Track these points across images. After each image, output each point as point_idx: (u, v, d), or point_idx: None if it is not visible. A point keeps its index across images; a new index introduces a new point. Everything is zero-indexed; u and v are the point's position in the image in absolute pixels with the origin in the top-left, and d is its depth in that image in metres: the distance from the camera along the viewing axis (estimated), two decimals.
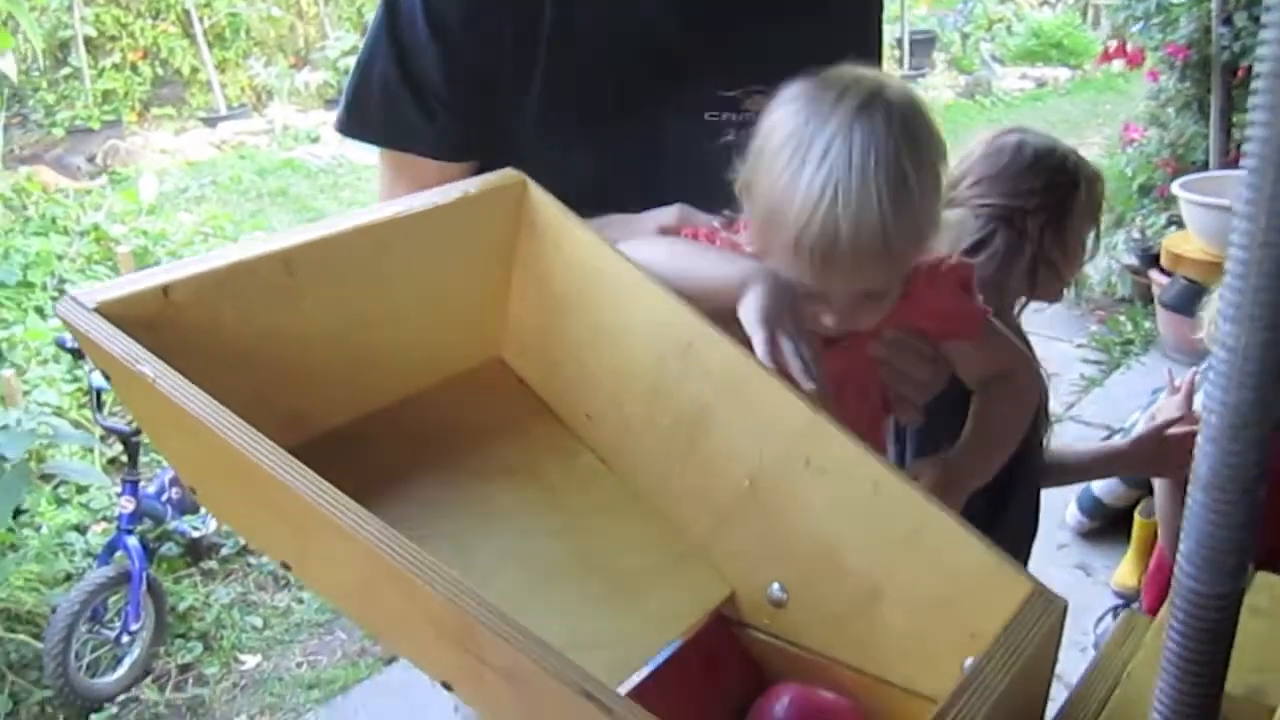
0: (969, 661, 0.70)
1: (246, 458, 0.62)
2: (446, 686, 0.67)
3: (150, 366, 0.65)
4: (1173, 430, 1.55)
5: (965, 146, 1.43)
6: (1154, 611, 2.04)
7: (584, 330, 0.90)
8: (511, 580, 0.78)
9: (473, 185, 0.88)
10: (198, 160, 6.59)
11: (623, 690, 0.76)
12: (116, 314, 0.69)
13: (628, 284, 0.86)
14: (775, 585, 0.80)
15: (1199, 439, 0.45)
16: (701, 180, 0.97)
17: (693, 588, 0.82)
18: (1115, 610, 2.55)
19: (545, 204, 0.90)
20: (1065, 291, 1.50)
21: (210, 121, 7.20)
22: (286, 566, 0.75)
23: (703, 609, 0.81)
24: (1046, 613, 0.66)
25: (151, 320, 0.70)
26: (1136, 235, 4.01)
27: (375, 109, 1.09)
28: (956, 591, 0.71)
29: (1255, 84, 0.40)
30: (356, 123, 1.12)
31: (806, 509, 0.78)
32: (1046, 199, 1.37)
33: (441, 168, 1.08)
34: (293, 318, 0.79)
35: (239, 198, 5.93)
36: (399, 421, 0.86)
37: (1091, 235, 1.46)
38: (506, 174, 0.91)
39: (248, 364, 0.76)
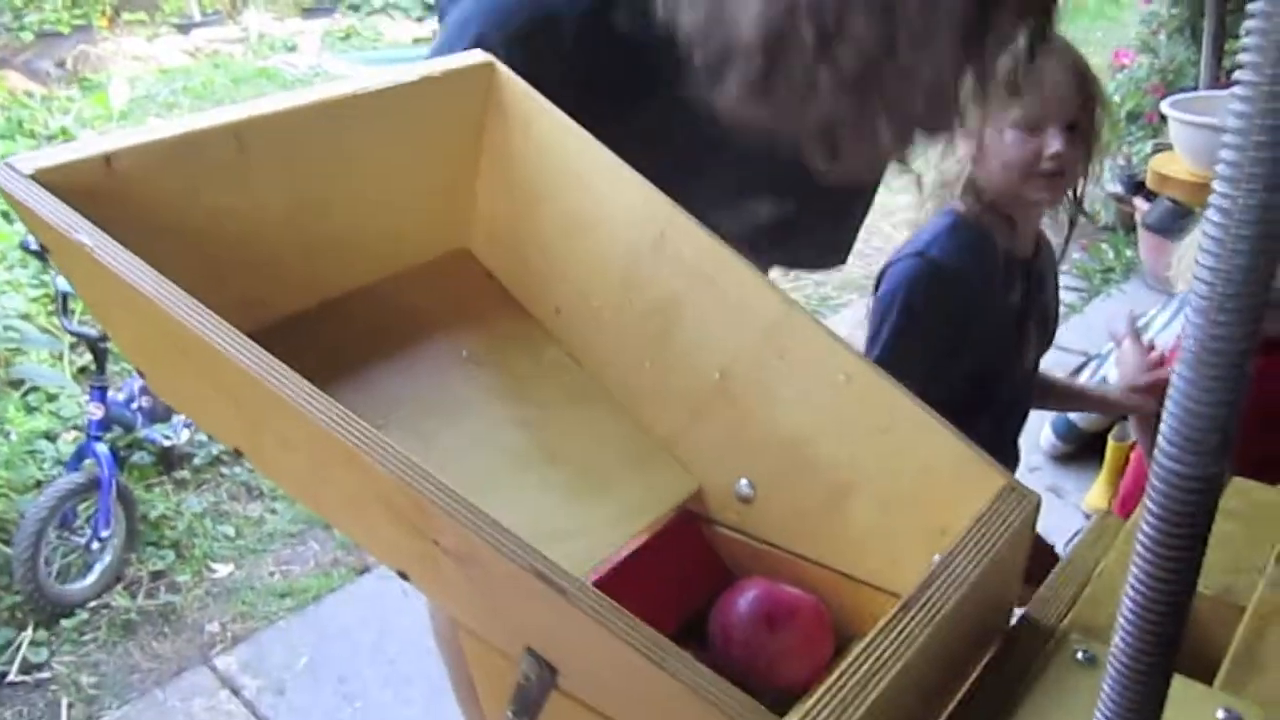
0: (937, 557, 0.68)
1: (191, 331, 0.59)
2: (403, 576, 0.65)
3: (89, 236, 0.62)
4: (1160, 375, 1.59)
5: None
6: None
7: (554, 220, 0.87)
8: (473, 468, 0.76)
9: (436, 65, 0.84)
10: (170, 67, 6.42)
11: (585, 579, 0.75)
12: (55, 182, 0.65)
13: (600, 171, 0.83)
14: (743, 481, 0.78)
15: (1186, 311, 0.43)
16: None
17: (660, 482, 0.80)
18: None
19: (514, 87, 0.86)
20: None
21: (183, 28, 7.01)
22: (239, 452, 0.72)
23: (669, 504, 0.80)
24: (1020, 507, 0.64)
25: (92, 190, 0.67)
26: (1122, 162, 3.97)
27: None
28: (928, 486, 0.69)
29: None
30: None
31: (777, 402, 0.76)
32: None
33: None
34: (244, 196, 0.75)
35: (212, 105, 5.79)
36: (357, 311, 0.83)
37: None
38: (473, 55, 0.87)
39: (195, 243, 0.73)
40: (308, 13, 7.51)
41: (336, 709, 2.11)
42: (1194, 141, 2.46)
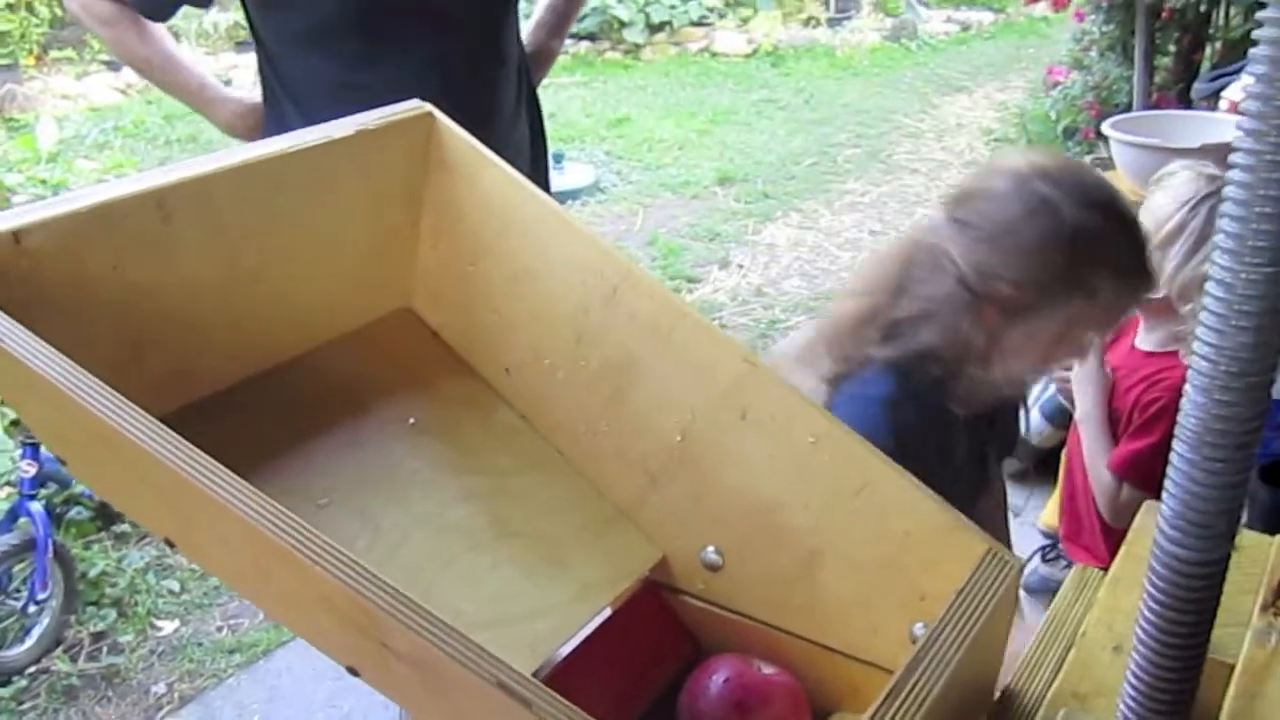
0: (919, 626, 0.65)
1: (108, 425, 0.54)
2: (353, 672, 0.61)
3: None
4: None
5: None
6: (1071, 539, 2.08)
7: (501, 276, 0.83)
8: (423, 551, 0.71)
9: (371, 118, 0.80)
10: (101, 105, 6.28)
11: (548, 665, 0.71)
12: None
13: (548, 225, 0.79)
14: (710, 548, 0.75)
15: (1186, 389, 0.40)
16: None
17: (621, 553, 0.76)
18: (1043, 550, 2.57)
19: (456, 139, 0.82)
20: None
21: (114, 65, 6.86)
22: (170, 544, 0.67)
23: (633, 575, 0.76)
24: (1002, 574, 0.61)
25: (2, 271, 0.62)
26: None
27: None
28: (904, 552, 0.66)
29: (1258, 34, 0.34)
30: None
31: (742, 466, 0.72)
32: None
33: None
34: (169, 267, 0.70)
35: (145, 145, 5.67)
36: (296, 381, 0.78)
37: None
38: (411, 106, 0.83)
39: (117, 319, 0.68)
40: (241, 46, 7.40)
41: None
42: (1136, 161, 2.48)
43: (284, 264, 0.77)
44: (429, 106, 0.84)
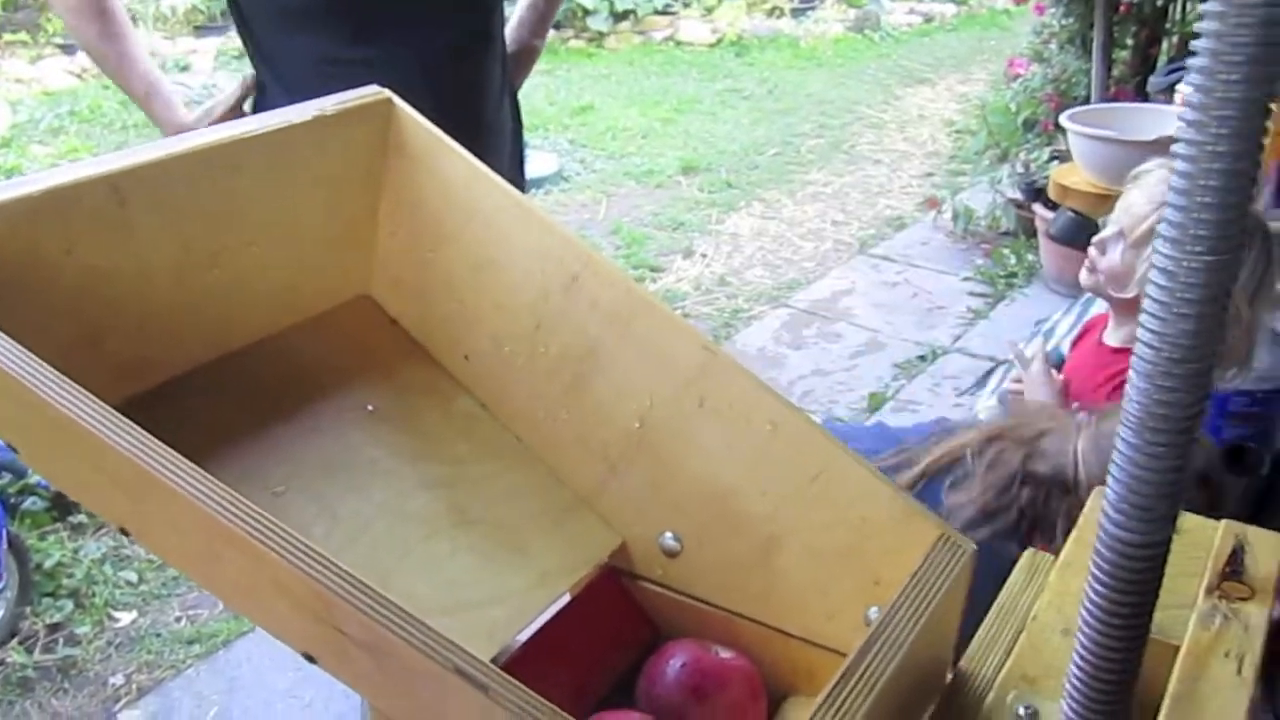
0: (873, 610, 0.66)
1: (61, 413, 0.54)
2: (309, 659, 0.60)
3: None
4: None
5: None
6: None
7: (461, 263, 0.83)
8: (382, 539, 0.71)
9: (329, 103, 0.79)
10: (56, 89, 6.18)
11: (507, 651, 0.71)
12: None
13: (508, 212, 0.79)
14: (668, 534, 0.75)
15: (1130, 375, 0.41)
16: None
17: (580, 539, 0.77)
18: None
19: (415, 125, 0.82)
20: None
21: (69, 48, 6.74)
22: (125, 533, 0.67)
23: (592, 561, 0.76)
24: (955, 558, 0.62)
25: None
26: (1021, 169, 4.05)
27: None
28: (860, 538, 0.67)
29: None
30: None
31: (701, 453, 0.73)
32: None
33: None
34: (125, 252, 0.70)
35: (101, 130, 5.58)
36: (254, 367, 0.77)
37: None
38: (371, 92, 0.83)
39: (71, 305, 0.67)
40: (200, 30, 7.30)
41: None
42: (1093, 153, 2.51)
43: (241, 250, 0.76)
44: (388, 93, 0.83)
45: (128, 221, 0.69)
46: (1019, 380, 1.91)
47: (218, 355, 0.76)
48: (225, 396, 0.76)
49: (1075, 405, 1.81)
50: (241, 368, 0.77)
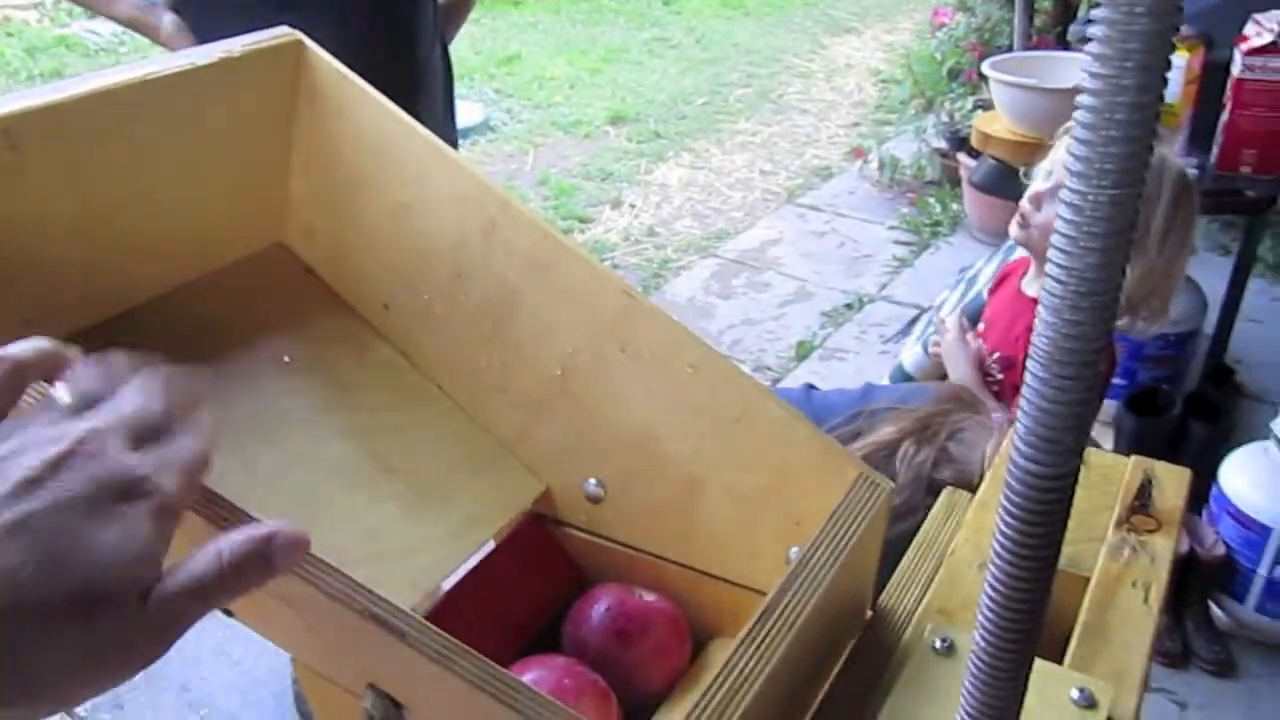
0: (794, 550, 0.67)
1: None
2: (227, 613, 0.59)
3: None
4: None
5: None
6: None
7: (376, 209, 0.81)
8: (300, 488, 0.70)
9: (236, 45, 0.76)
10: None
11: (431, 598, 0.70)
12: None
13: (423, 156, 0.77)
14: (591, 480, 0.75)
15: (1038, 309, 0.41)
16: None
17: (504, 486, 0.76)
18: None
19: (325, 67, 0.79)
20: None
21: None
22: None
23: (516, 508, 0.76)
24: (873, 497, 0.63)
25: None
26: (945, 119, 4.09)
27: None
28: (781, 478, 0.67)
29: None
30: None
31: (622, 398, 0.73)
32: None
33: None
34: (18, 202, 0.67)
35: (6, 80, 5.37)
36: (162, 320, 0.75)
37: None
38: (280, 33, 0.80)
39: None
40: None
41: None
42: (1015, 101, 2.54)
43: (144, 198, 0.74)
44: (299, 34, 0.81)
45: (20, 169, 0.66)
46: (939, 345, 1.93)
47: (127, 308, 0.74)
48: (136, 350, 0.74)
49: (995, 356, 1.84)
50: (152, 320, 0.74)
